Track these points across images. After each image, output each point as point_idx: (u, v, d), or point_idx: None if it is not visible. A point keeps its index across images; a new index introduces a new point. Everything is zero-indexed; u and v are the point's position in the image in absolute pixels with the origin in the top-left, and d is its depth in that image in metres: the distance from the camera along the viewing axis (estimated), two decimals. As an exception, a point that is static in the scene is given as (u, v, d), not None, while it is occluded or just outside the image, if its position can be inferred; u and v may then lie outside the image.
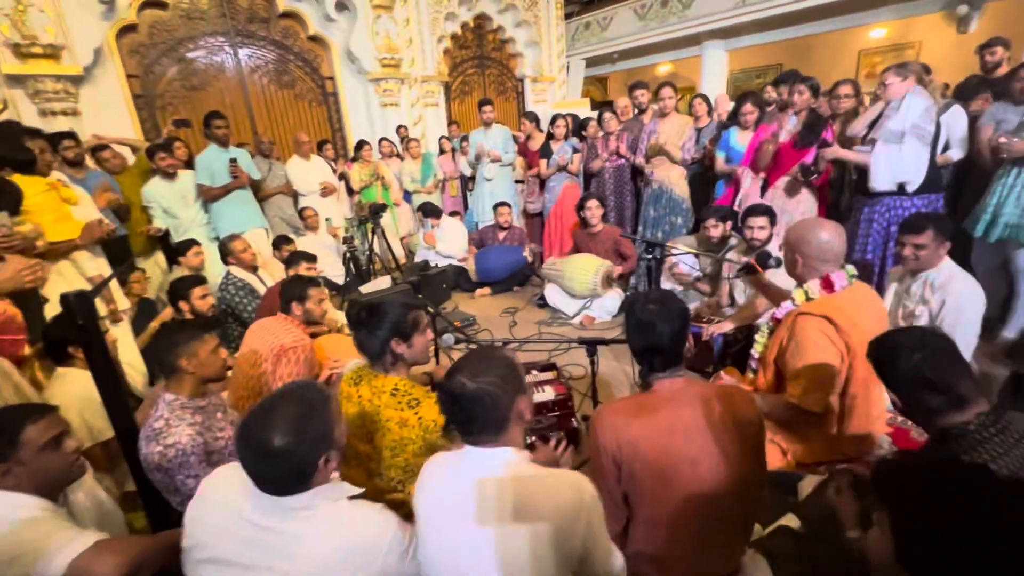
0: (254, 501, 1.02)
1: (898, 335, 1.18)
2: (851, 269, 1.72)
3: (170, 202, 3.72)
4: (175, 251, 3.40)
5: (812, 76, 3.37)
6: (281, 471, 1.00)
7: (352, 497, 1.09)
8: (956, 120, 2.90)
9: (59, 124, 4.09)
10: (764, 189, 3.46)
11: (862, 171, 2.78)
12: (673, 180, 3.92)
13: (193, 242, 3.45)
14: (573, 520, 0.96)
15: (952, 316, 2.04)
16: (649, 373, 1.24)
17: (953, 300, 2.04)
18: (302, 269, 2.99)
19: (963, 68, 3.47)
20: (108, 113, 4.63)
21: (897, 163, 2.55)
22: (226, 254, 3.20)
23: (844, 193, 3.18)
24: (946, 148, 2.92)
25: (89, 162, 3.71)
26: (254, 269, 3.26)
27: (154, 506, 1.59)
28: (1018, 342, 2.62)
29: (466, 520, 0.98)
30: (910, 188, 2.62)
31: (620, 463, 1.15)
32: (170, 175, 3.72)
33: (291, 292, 2.27)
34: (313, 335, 3.03)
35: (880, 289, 2.54)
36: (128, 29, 4.78)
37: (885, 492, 0.74)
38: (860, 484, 1.19)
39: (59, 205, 2.44)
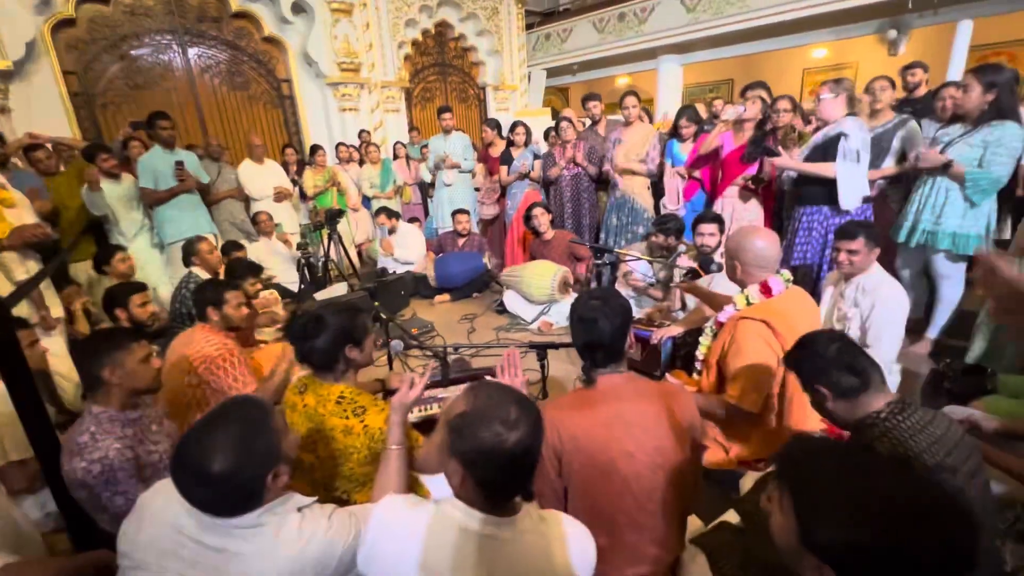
0: (197, 519, 0.96)
1: (814, 334, 1.30)
2: (786, 274, 1.81)
3: (112, 205, 3.53)
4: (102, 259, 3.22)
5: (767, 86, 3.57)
6: (224, 496, 0.94)
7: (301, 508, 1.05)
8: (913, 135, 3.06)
9: (-14, 121, 3.84)
10: (713, 198, 3.61)
11: (800, 181, 2.92)
12: (636, 190, 3.98)
13: (117, 248, 3.28)
14: None
15: (880, 318, 2.17)
16: (592, 368, 1.27)
17: (881, 303, 2.18)
18: (247, 284, 2.86)
19: (896, 87, 3.73)
20: (42, 111, 4.37)
21: (859, 180, 2.71)
22: (190, 255, 3.10)
23: (783, 201, 3.35)
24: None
25: (19, 163, 3.49)
26: (216, 273, 3.13)
27: (78, 526, 1.49)
28: (939, 341, 2.81)
29: None
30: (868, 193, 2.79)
31: (560, 456, 1.17)
32: (113, 176, 3.55)
33: (206, 297, 2.17)
34: (259, 342, 2.94)
35: (818, 293, 2.68)
36: (65, 23, 4.54)
37: (786, 474, 0.77)
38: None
39: None
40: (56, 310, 2.61)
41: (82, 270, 3.47)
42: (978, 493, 1.14)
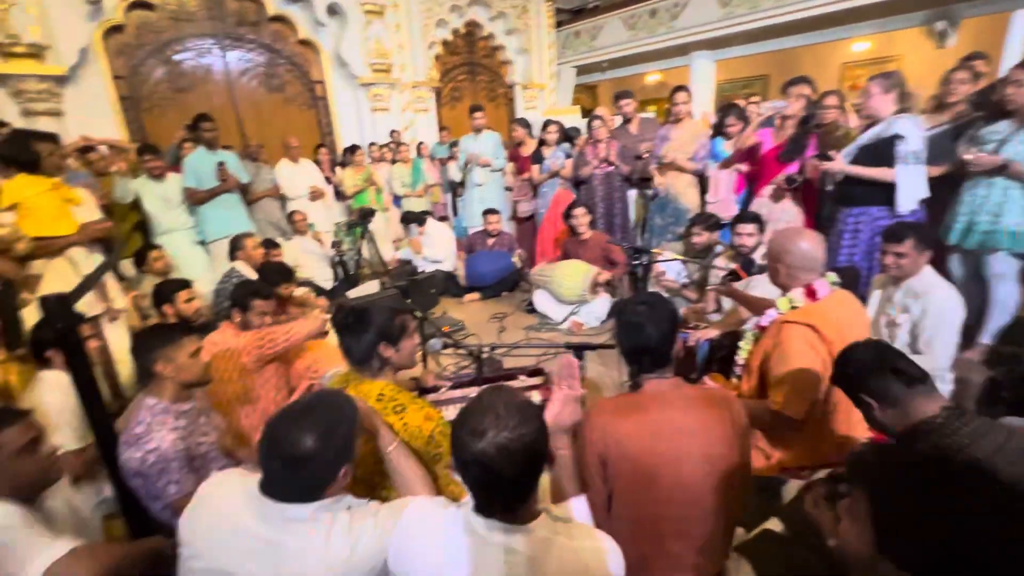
0: (256, 511, 1.00)
1: (851, 346, 1.30)
2: (832, 276, 1.75)
3: (150, 203, 3.69)
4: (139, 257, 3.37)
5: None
6: (304, 476, 0.98)
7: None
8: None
9: (42, 124, 4.04)
10: (750, 199, 3.51)
11: (846, 182, 2.81)
12: (680, 189, 3.88)
13: (152, 246, 3.43)
14: None
15: (932, 324, 2.08)
16: (639, 374, 1.26)
17: (934, 308, 2.08)
18: (281, 289, 2.91)
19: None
20: (93, 114, 4.57)
21: (918, 183, 2.60)
22: (236, 250, 3.20)
23: (824, 203, 3.23)
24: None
25: (74, 163, 3.66)
26: (260, 267, 3.23)
27: (133, 513, 1.56)
28: (994, 347, 2.68)
29: None
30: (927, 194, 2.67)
31: (606, 461, 1.16)
32: (157, 176, 3.70)
33: (238, 294, 2.26)
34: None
35: (865, 296, 2.58)
36: (115, 30, 4.74)
37: (863, 482, 0.75)
38: (835, 494, 1.22)
39: (60, 204, 2.48)
40: (120, 301, 2.73)
41: (127, 266, 3.62)
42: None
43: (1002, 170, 2.43)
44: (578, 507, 1.05)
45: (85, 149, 3.72)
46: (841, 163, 2.75)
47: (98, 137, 3.96)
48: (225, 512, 1.03)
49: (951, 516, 0.65)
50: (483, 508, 0.91)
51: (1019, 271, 2.60)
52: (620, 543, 1.18)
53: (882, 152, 2.61)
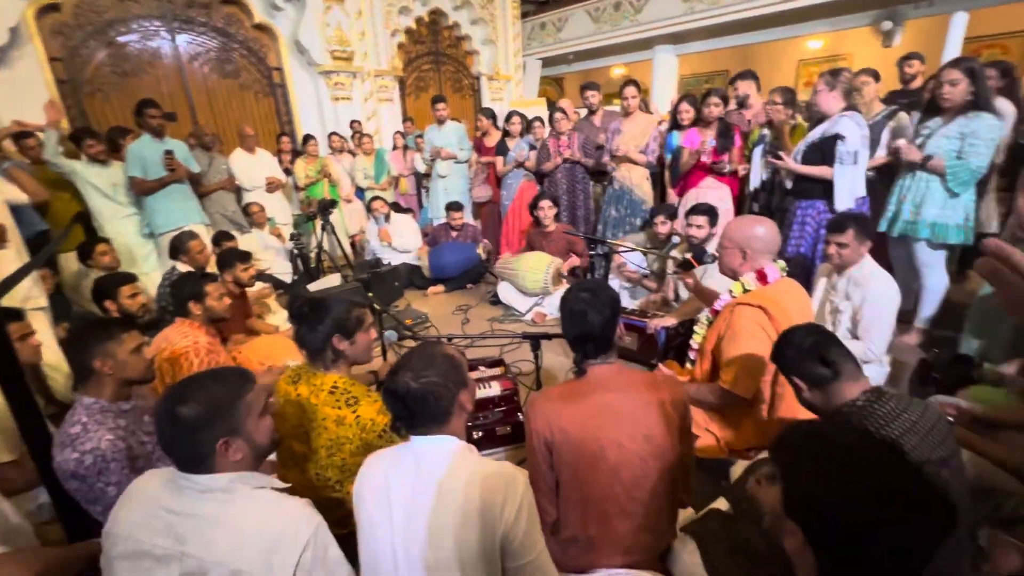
0: (172, 487, 1.03)
1: (792, 329, 1.37)
2: (782, 263, 1.83)
3: (92, 189, 3.50)
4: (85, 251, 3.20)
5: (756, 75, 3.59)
6: (180, 441, 1.02)
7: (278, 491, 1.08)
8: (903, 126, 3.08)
9: (-31, 108, 3.77)
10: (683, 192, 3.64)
11: (798, 177, 2.93)
12: (635, 180, 3.94)
13: (100, 240, 3.26)
14: (497, 509, 0.99)
15: (870, 312, 2.19)
16: (583, 360, 1.28)
17: (872, 297, 2.20)
18: (238, 271, 2.85)
19: (889, 79, 3.74)
20: (27, 98, 4.27)
21: (854, 182, 2.72)
22: (178, 251, 3.01)
23: (774, 194, 3.36)
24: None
25: (8, 149, 3.43)
26: (202, 269, 3.10)
27: (71, 517, 1.49)
28: (927, 331, 2.85)
29: (415, 513, 1.01)
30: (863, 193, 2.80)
31: (552, 447, 1.18)
32: (100, 161, 3.51)
33: (184, 292, 2.16)
34: (251, 332, 2.94)
35: (810, 285, 2.70)
36: (50, 8, 4.44)
37: (781, 449, 0.79)
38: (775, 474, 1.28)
39: None
40: (40, 300, 2.59)
41: (72, 260, 3.43)
42: (952, 478, 1.17)
43: (924, 163, 2.57)
44: None
45: (20, 135, 3.48)
46: (789, 161, 2.88)
47: (33, 123, 3.72)
48: (142, 497, 1.05)
49: (843, 475, 0.69)
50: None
51: (945, 259, 2.75)
52: (569, 525, 1.21)
53: (826, 150, 2.72)
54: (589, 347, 1.25)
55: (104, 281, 2.46)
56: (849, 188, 2.71)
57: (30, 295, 2.55)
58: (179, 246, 3.02)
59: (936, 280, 2.75)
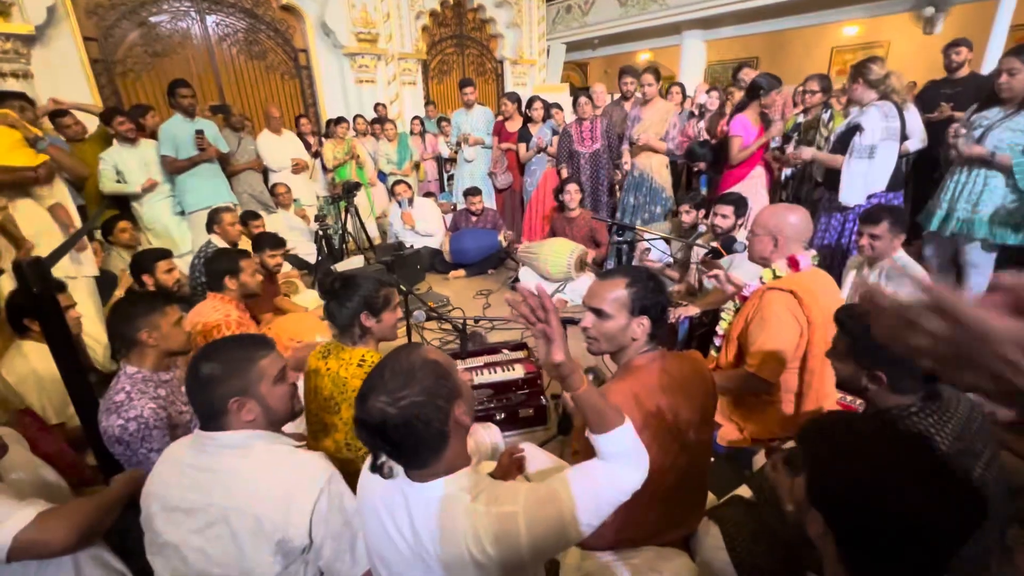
0: (195, 445, 1.11)
1: None
2: (813, 253, 1.81)
3: (130, 169, 3.57)
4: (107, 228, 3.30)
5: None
6: (197, 396, 1.10)
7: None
8: (912, 117, 3.02)
9: (9, 86, 3.87)
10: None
11: (830, 170, 2.86)
12: (654, 168, 3.90)
13: (118, 218, 3.36)
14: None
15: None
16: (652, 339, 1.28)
17: (904, 291, 2.15)
18: (266, 256, 2.92)
19: (929, 68, 3.62)
20: (63, 77, 4.39)
21: (868, 177, 2.64)
22: (212, 223, 3.13)
23: (804, 184, 3.29)
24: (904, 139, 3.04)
25: (46, 126, 3.53)
26: (235, 245, 3.18)
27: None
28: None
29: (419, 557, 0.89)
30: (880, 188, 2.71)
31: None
32: (130, 140, 3.58)
33: (221, 267, 2.23)
34: (279, 311, 3.00)
35: (840, 278, 2.65)
36: (85, -12, 4.52)
37: (807, 437, 0.79)
38: (794, 460, 1.28)
39: (18, 139, 2.38)
40: (89, 268, 2.68)
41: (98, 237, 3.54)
42: (991, 478, 1.14)
43: (991, 159, 2.44)
44: (621, 437, 0.92)
45: (57, 113, 3.58)
46: (808, 152, 2.84)
47: (68, 101, 3.81)
48: (171, 459, 1.13)
49: (870, 466, 0.69)
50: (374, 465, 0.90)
51: (992, 260, 2.64)
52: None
53: (847, 141, 2.65)
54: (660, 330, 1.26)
55: (141, 256, 2.55)
56: (862, 182, 2.63)
57: (82, 264, 2.65)
58: (214, 218, 3.12)
59: (981, 282, 2.66)
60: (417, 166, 5.95)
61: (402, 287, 2.50)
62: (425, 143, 6.01)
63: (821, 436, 0.79)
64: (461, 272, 4.53)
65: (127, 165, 3.57)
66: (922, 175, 3.09)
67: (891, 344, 0.46)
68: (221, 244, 3.07)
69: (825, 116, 3.23)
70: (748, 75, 3.86)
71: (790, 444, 1.49)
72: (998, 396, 0.38)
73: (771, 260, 1.80)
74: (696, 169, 4.02)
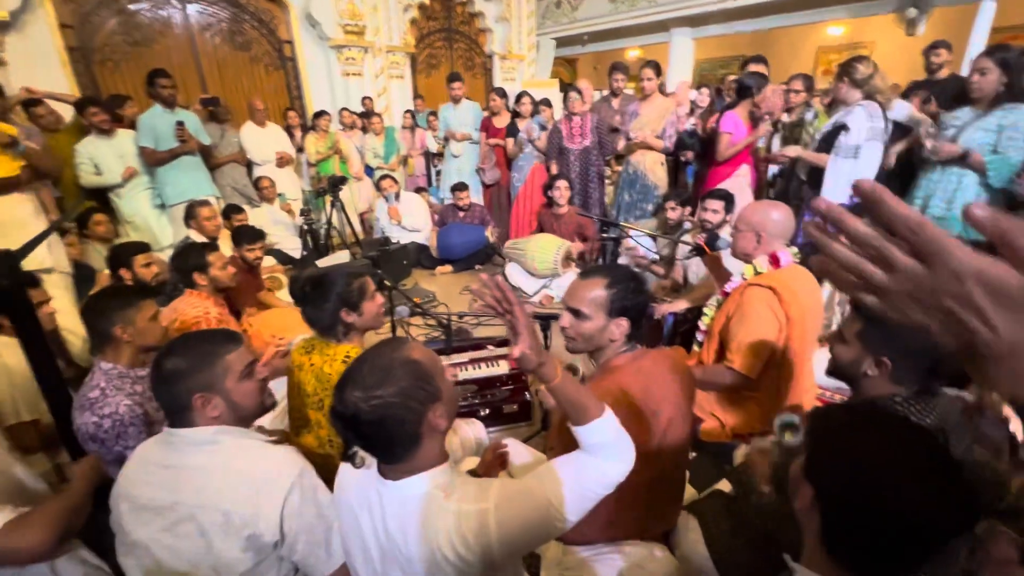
0: (164, 442, 1.09)
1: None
2: (794, 249, 1.83)
3: (107, 161, 3.49)
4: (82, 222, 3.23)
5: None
6: (161, 392, 1.09)
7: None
8: (899, 111, 3.06)
9: (-19, 74, 3.76)
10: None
11: (815, 168, 2.89)
12: (648, 165, 3.89)
13: (94, 210, 3.29)
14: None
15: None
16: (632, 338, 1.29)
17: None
18: (244, 250, 2.88)
19: (911, 69, 3.67)
20: (39, 65, 4.26)
21: (852, 177, 2.66)
22: (189, 218, 3.07)
23: (791, 182, 3.33)
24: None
25: (18, 117, 3.43)
26: (213, 240, 3.12)
27: (90, 477, 1.53)
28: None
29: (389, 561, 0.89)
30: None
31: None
32: (104, 131, 3.49)
33: (188, 263, 2.19)
34: (262, 306, 2.97)
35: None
36: (61, -27, 4.39)
37: (815, 423, 0.81)
38: (778, 448, 1.29)
39: None
40: (62, 264, 2.62)
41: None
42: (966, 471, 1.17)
43: (962, 159, 2.48)
44: (603, 427, 0.91)
45: (30, 102, 3.48)
46: (794, 150, 2.87)
47: (42, 90, 3.71)
48: (140, 458, 1.12)
49: (868, 450, 0.70)
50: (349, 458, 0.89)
51: None
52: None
53: (831, 140, 2.68)
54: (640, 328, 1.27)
55: (119, 249, 2.49)
56: (846, 182, 2.66)
57: (57, 261, 2.58)
58: (191, 212, 3.07)
59: None
60: (405, 161, 5.90)
61: (386, 282, 2.48)
62: (414, 137, 5.96)
63: (828, 415, 0.81)
64: (448, 267, 4.51)
65: (103, 157, 3.48)
66: (907, 174, 3.13)
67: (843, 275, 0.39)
68: (199, 239, 3.01)
69: (809, 115, 3.26)
70: (757, 70, 3.77)
71: (771, 438, 1.51)
72: (943, 335, 0.37)
73: (753, 256, 1.82)
74: (684, 160, 4.00)
